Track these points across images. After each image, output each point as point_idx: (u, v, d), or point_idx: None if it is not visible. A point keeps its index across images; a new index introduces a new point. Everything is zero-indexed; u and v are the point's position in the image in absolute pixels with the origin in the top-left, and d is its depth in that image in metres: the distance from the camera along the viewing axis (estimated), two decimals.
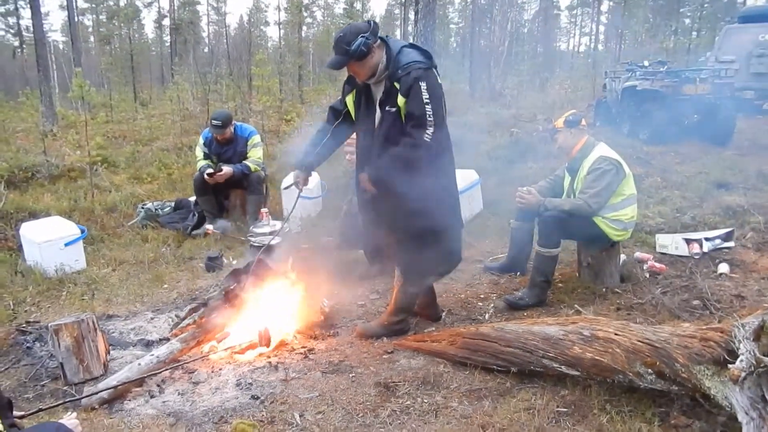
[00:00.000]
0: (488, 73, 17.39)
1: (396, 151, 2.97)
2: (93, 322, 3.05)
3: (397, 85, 2.90)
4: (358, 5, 33.54)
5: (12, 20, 34.71)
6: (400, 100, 2.91)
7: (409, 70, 2.86)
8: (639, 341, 2.49)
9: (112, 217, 6.14)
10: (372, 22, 3.00)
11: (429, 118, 2.86)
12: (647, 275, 4.07)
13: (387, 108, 2.99)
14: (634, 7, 28.11)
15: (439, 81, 2.97)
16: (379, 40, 2.98)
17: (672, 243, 4.46)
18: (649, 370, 2.41)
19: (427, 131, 2.87)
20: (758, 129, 10.05)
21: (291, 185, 3.55)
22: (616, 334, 2.59)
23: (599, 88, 12.84)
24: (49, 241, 4.63)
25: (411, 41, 3.23)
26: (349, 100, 3.25)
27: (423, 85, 2.83)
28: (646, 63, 10.50)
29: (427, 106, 2.85)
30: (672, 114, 8.71)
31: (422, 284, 3.37)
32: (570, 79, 17.09)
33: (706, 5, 31.80)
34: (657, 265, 4.17)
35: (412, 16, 17.52)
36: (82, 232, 4.91)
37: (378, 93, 3.06)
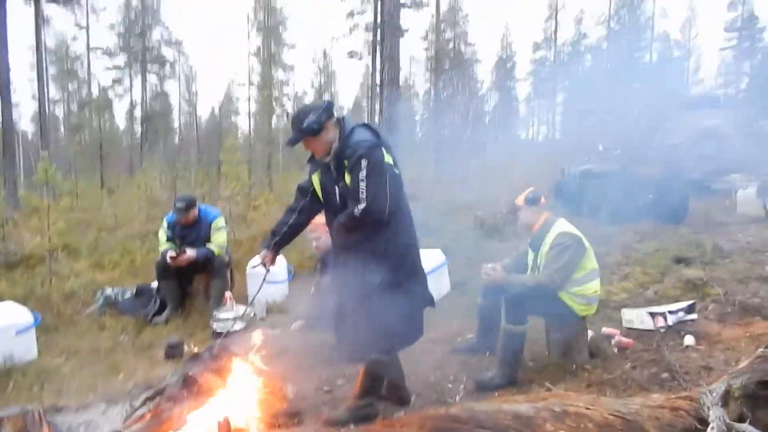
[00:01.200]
0: (452, 160, 18.01)
1: (338, 220, 3.10)
2: (39, 415, 2.85)
3: (346, 162, 3.00)
4: (326, 96, 34.91)
5: None
6: (347, 176, 3.00)
7: (356, 148, 2.96)
8: (610, 415, 2.44)
9: (70, 305, 5.91)
10: (327, 102, 3.14)
11: (362, 194, 2.92)
12: (616, 350, 4.07)
13: (340, 184, 3.07)
14: (587, 98, 29.91)
15: (388, 159, 3.03)
16: (334, 119, 3.10)
17: (637, 317, 4.50)
18: None
19: (358, 206, 2.93)
20: (710, 208, 10.50)
21: (258, 265, 3.51)
22: (587, 409, 2.54)
23: (558, 173, 13.35)
24: None
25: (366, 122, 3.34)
26: (315, 178, 3.31)
27: (364, 162, 2.91)
28: (600, 147, 11.07)
29: (361, 183, 2.91)
30: (628, 194, 9.08)
31: (385, 353, 3.26)
32: (531, 165, 17.76)
33: (652, 97, 34.06)
34: (624, 339, 4.17)
35: (378, 107, 18.27)
36: (36, 319, 4.69)
37: (334, 170, 3.14)
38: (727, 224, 9.62)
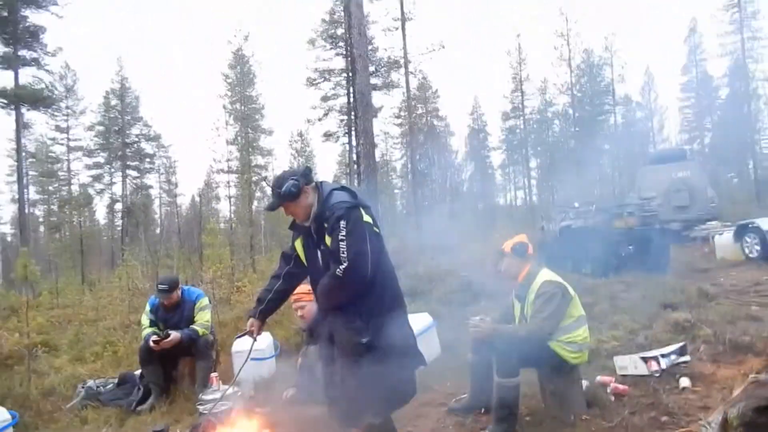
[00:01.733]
0: (434, 229, 18.20)
1: (321, 283, 3.10)
2: None
3: (325, 224, 3.04)
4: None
5: None
6: (327, 238, 3.03)
7: (334, 210, 3.01)
8: None
9: (49, 401, 5.66)
10: (305, 167, 3.23)
11: (342, 254, 2.94)
12: (612, 398, 3.99)
13: (322, 247, 3.10)
14: (559, 162, 30.85)
15: (367, 219, 3.07)
16: (313, 184, 3.18)
17: (631, 363, 4.46)
18: None
19: (340, 266, 2.94)
20: (690, 255, 10.68)
21: (244, 334, 3.46)
22: None
23: (538, 232, 13.55)
24: None
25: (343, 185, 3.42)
26: (298, 244, 3.34)
27: (342, 223, 2.95)
28: (576, 204, 11.32)
29: (341, 243, 2.94)
30: (608, 247, 9.22)
31: (379, 416, 3.16)
32: (512, 227, 18.00)
33: (620, 156, 35.30)
34: (620, 386, 4.11)
35: (356, 182, 18.60)
36: (13, 417, 4.49)
37: (315, 234, 3.18)
38: (709, 269, 9.76)
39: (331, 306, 3.17)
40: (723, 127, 37.14)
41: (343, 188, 3.22)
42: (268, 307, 3.40)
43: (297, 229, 3.33)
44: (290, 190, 3.07)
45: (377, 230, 3.16)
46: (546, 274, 3.90)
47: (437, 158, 33.65)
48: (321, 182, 3.25)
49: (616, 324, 5.65)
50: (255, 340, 3.41)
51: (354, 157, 20.62)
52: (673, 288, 7.21)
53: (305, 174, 3.16)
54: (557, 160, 34.65)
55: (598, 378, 4.32)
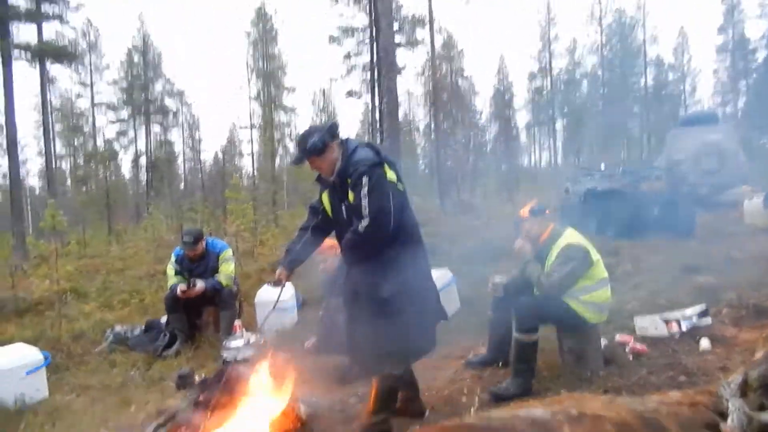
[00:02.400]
0: (456, 189, 18.11)
1: (345, 238, 3.16)
2: None
3: (348, 180, 3.07)
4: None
5: None
6: (350, 194, 3.07)
7: (357, 166, 3.03)
8: (628, 414, 2.38)
9: (79, 344, 5.90)
10: (331, 123, 3.24)
11: (364, 210, 2.97)
12: (630, 357, 4.00)
13: (345, 202, 3.13)
14: (586, 123, 30.23)
15: (390, 176, 3.09)
16: (338, 140, 3.20)
17: (651, 324, 4.44)
18: None
19: (363, 222, 2.98)
20: (717, 221, 10.46)
21: (272, 281, 3.51)
22: (603, 410, 2.47)
23: (562, 194, 13.39)
24: (9, 369, 4.38)
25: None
26: (324, 197, 3.37)
27: (365, 179, 2.98)
28: (602, 167, 11.12)
29: (364, 199, 2.97)
30: (634, 210, 9.08)
31: (398, 367, 3.23)
32: (534, 189, 17.84)
33: (651, 117, 34.39)
34: (639, 346, 4.11)
35: (378, 141, 18.48)
36: (46, 358, 4.68)
37: (339, 189, 3.21)
38: (736, 234, 9.56)
39: (354, 260, 3.23)
40: (758, 91, 35.80)
41: (368, 145, 3.23)
42: (297, 257, 3.44)
43: (323, 183, 3.36)
44: (315, 145, 3.10)
45: (401, 187, 3.18)
46: (569, 236, 3.86)
47: (461, 118, 33.14)
48: (347, 139, 3.26)
49: (638, 285, 5.63)
50: (283, 286, 3.45)
51: (377, 116, 20.41)
52: (698, 252, 7.12)
53: (331, 129, 3.18)
54: (584, 121, 33.94)
55: (617, 337, 4.32)
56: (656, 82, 38.59)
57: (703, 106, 41.58)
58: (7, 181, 19.82)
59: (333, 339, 4.29)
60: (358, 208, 3.01)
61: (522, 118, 45.97)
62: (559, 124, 40.97)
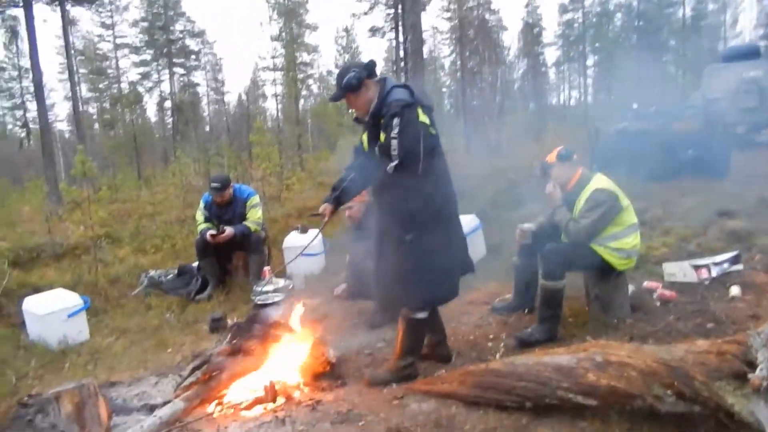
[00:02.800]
0: (483, 129, 17.76)
1: (375, 179, 3.19)
2: (94, 387, 2.98)
3: (381, 121, 3.06)
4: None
5: (19, 113, 36.03)
6: (381, 134, 3.07)
7: (390, 107, 3.01)
8: (654, 362, 2.41)
9: (116, 288, 6.11)
10: (370, 61, 3.21)
11: (393, 152, 2.97)
12: (658, 303, 3.99)
13: (378, 143, 3.12)
14: (618, 59, 28.97)
15: (423, 119, 3.06)
16: (375, 78, 3.18)
17: (680, 270, 4.40)
18: (668, 392, 2.31)
19: (391, 164, 2.98)
20: (754, 161, 10.11)
21: (316, 214, 3.52)
22: (629, 357, 2.51)
23: (592, 135, 13.04)
24: (52, 312, 4.59)
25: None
26: (364, 137, 3.38)
27: (396, 120, 2.96)
28: (635, 105, 10.74)
29: (393, 141, 2.96)
30: (666, 151, 8.82)
31: (423, 310, 3.28)
32: (563, 129, 17.39)
33: (687, 53, 32.82)
34: (667, 292, 4.09)
35: (402, 79, 18.09)
36: (85, 302, 4.87)
37: (372, 128, 3.21)
38: None
39: (382, 203, 3.25)
40: None
41: (405, 86, 3.18)
42: (342, 195, 3.40)
43: (361, 123, 3.35)
44: (351, 82, 3.10)
45: (433, 131, 3.15)
46: (599, 181, 3.78)
47: (488, 55, 32.15)
48: (385, 78, 3.22)
49: (668, 230, 5.53)
50: (326, 221, 3.45)
51: (401, 53, 19.91)
52: (732, 195, 6.93)
53: (368, 67, 3.17)
54: (617, 57, 32.55)
55: (645, 283, 4.30)
56: (695, 12, 36.51)
57: (744, 40, 39.37)
58: (37, 126, 20.09)
59: (361, 285, 4.36)
60: (388, 148, 3.01)
61: (551, 55, 44.40)
62: (590, 61, 39.38)
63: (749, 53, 14.34)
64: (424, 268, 3.09)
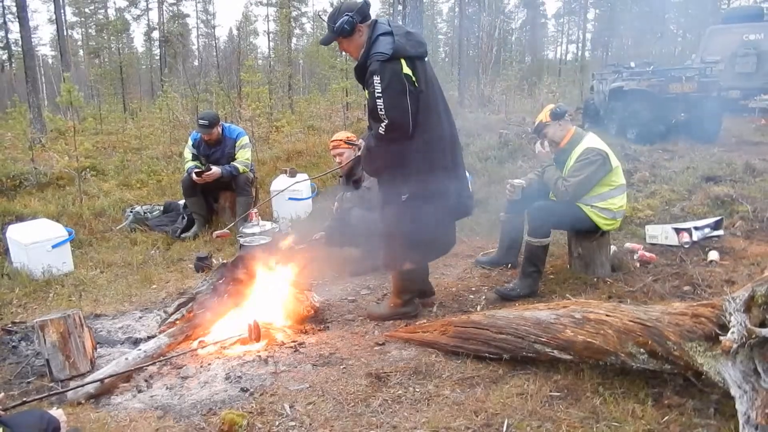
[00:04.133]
0: (477, 80, 17.51)
1: (365, 146, 3.17)
2: (79, 318, 3.00)
3: (366, 77, 2.98)
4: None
5: (0, 34, 34.67)
6: (366, 93, 3.01)
7: (371, 62, 2.91)
8: (630, 321, 2.48)
9: (101, 221, 6.07)
10: (363, 2, 3.04)
11: (381, 112, 2.89)
12: (638, 265, 4.07)
13: (366, 102, 3.11)
14: (620, 14, 28.45)
15: (407, 71, 2.92)
16: (369, 21, 3.04)
17: (662, 233, 4.48)
18: (641, 350, 2.39)
19: (381, 125, 2.91)
20: (744, 127, 10.17)
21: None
22: (607, 316, 2.58)
23: (587, 92, 12.95)
24: (36, 242, 4.57)
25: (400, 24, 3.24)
26: None
27: (376, 79, 2.87)
28: (632, 64, 10.63)
29: (378, 101, 2.88)
30: (659, 113, 8.81)
31: (418, 263, 3.33)
32: (558, 84, 17.22)
33: (690, 11, 32.23)
34: (647, 254, 4.17)
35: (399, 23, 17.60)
36: (70, 234, 4.86)
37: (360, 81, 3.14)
38: (761, 143, 9.33)
39: (374, 169, 3.20)
40: None
41: (390, 33, 2.99)
42: None
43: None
44: (343, 27, 2.99)
45: (417, 86, 2.99)
46: (590, 140, 3.78)
47: (488, 2, 31.32)
48: (376, 21, 3.06)
49: (653, 193, 5.59)
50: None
51: None
52: (719, 160, 6.99)
53: (361, 10, 3.02)
54: (618, 11, 31.94)
55: (627, 245, 4.38)
56: None
57: (750, 1, 38.68)
58: (20, 49, 19.37)
59: (341, 233, 4.39)
60: (374, 110, 2.92)
61: (552, 6, 43.43)
62: (591, 14, 38.67)
63: (752, 15, 14.12)
64: (423, 225, 3.10)
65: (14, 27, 30.79)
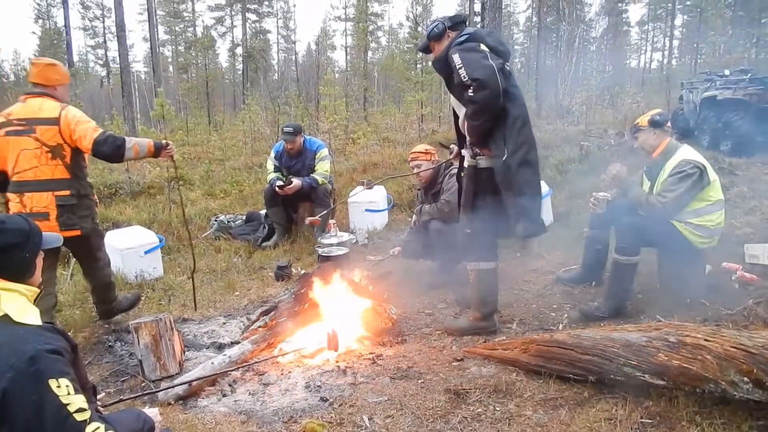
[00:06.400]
0: (555, 91, 17.06)
1: (463, 121, 3.25)
2: (170, 322, 3.15)
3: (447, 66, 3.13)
4: (421, 29, 33.92)
5: (101, 52, 37.48)
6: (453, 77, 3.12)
7: (449, 51, 3.09)
8: (733, 347, 2.30)
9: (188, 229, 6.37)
10: (456, 14, 3.34)
11: (465, 80, 2.96)
12: (737, 286, 3.79)
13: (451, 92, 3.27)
14: (710, 19, 26.89)
15: (482, 48, 3.04)
16: (459, 31, 3.21)
17: (763, 253, 4.14)
18: (745, 379, 2.21)
19: (469, 90, 2.98)
20: None
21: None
22: (706, 340, 2.40)
23: (674, 102, 12.30)
24: (130, 248, 4.86)
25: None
26: None
27: (456, 56, 3.01)
28: (726, 72, 10.00)
29: (460, 70, 2.97)
30: (757, 124, 8.21)
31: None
32: (642, 94, 16.45)
33: None
34: (747, 275, 3.87)
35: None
36: (161, 240, 5.12)
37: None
38: None
39: (479, 136, 3.15)
40: None
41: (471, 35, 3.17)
42: None
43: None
44: (433, 30, 3.23)
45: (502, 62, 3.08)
46: (686, 152, 3.55)
47: (567, 11, 30.58)
48: (466, 28, 3.23)
49: (752, 209, 5.21)
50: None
51: (475, 7, 19.20)
52: None
53: (453, 18, 3.24)
54: (709, 16, 30.24)
55: (724, 264, 4.08)
56: None
57: None
58: (117, 65, 20.80)
59: (417, 248, 4.37)
60: (461, 83, 3.00)
61: (636, 13, 41.76)
62: (678, 20, 36.84)
63: None
64: (522, 190, 3.11)
65: (112, 45, 33.28)
